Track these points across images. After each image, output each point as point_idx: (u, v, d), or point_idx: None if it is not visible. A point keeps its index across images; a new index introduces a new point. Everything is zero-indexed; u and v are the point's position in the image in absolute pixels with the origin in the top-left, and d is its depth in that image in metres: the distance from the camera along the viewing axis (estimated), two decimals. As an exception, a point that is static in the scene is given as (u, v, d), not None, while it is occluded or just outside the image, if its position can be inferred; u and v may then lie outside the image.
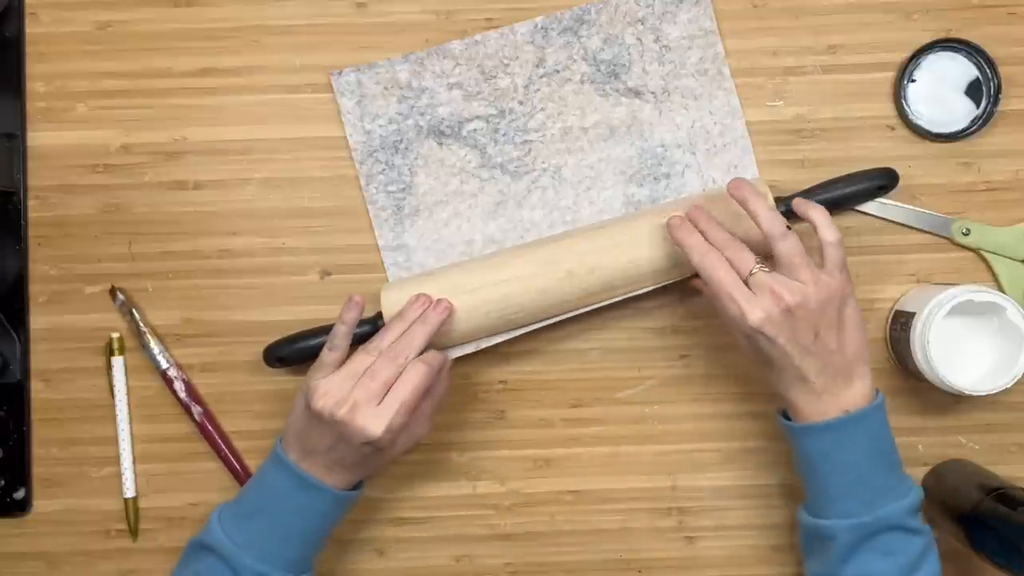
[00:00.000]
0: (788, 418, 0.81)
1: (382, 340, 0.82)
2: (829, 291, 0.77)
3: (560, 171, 0.91)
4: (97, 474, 0.92)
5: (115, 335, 0.91)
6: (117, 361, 0.91)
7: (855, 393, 0.78)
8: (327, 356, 0.82)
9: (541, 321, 0.87)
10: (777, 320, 0.76)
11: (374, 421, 0.78)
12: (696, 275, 0.88)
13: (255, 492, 0.82)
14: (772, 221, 0.79)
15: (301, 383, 0.83)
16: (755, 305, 0.76)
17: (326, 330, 0.86)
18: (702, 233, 0.80)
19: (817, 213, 0.80)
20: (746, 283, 0.77)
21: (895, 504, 0.78)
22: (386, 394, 0.79)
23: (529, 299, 0.85)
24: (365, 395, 0.79)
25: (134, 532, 0.92)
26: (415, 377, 0.79)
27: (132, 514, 0.92)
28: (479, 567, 0.93)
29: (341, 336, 0.83)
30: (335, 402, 0.79)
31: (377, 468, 0.84)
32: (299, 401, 0.82)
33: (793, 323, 0.76)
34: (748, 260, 0.78)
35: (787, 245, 0.78)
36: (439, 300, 0.84)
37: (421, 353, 0.81)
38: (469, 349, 0.87)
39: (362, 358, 0.81)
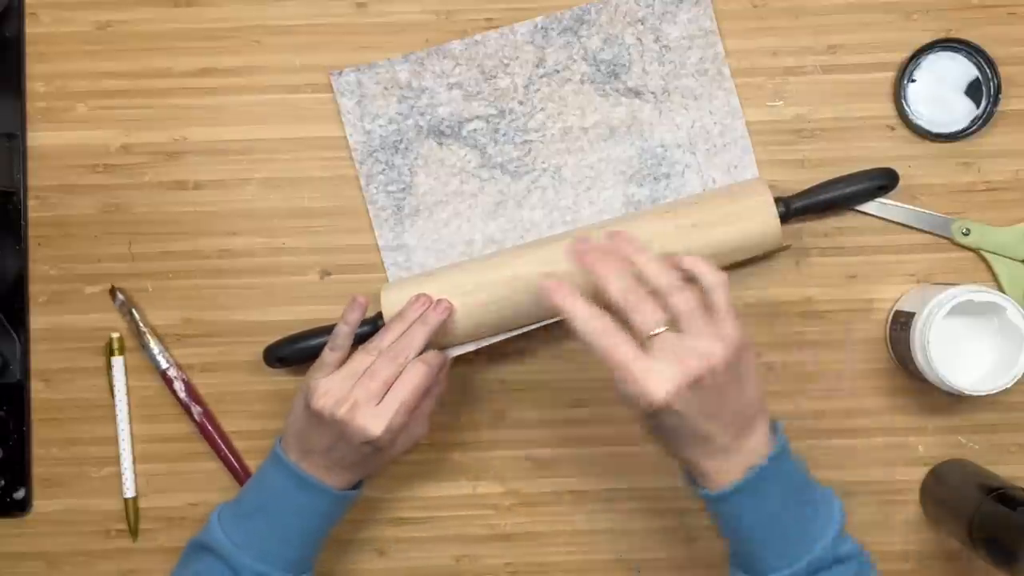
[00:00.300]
0: (695, 480, 0.75)
1: (382, 340, 0.82)
2: (733, 346, 0.69)
3: (560, 171, 0.91)
4: (97, 474, 0.92)
5: (115, 335, 0.91)
6: (117, 361, 0.91)
7: (758, 441, 0.72)
8: (328, 356, 0.82)
9: (541, 321, 0.87)
10: (685, 395, 0.68)
11: (374, 421, 0.78)
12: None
13: (255, 492, 0.82)
14: (660, 274, 0.71)
15: (301, 383, 0.83)
16: (659, 380, 0.67)
17: (326, 330, 0.86)
18: (602, 283, 0.71)
19: (689, 261, 0.72)
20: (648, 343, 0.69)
21: (823, 538, 0.72)
22: (386, 394, 0.79)
23: (529, 299, 0.85)
24: (365, 395, 0.79)
25: (134, 532, 0.92)
26: (415, 377, 0.80)
27: (132, 514, 0.92)
28: (479, 567, 0.93)
29: (343, 336, 0.83)
30: (335, 401, 0.79)
31: (377, 468, 0.84)
32: (299, 401, 0.82)
33: (701, 393, 0.68)
34: (649, 318, 0.69)
35: (682, 299, 0.69)
36: (439, 300, 0.84)
37: (421, 353, 0.81)
38: (469, 348, 0.87)
39: (362, 358, 0.81)
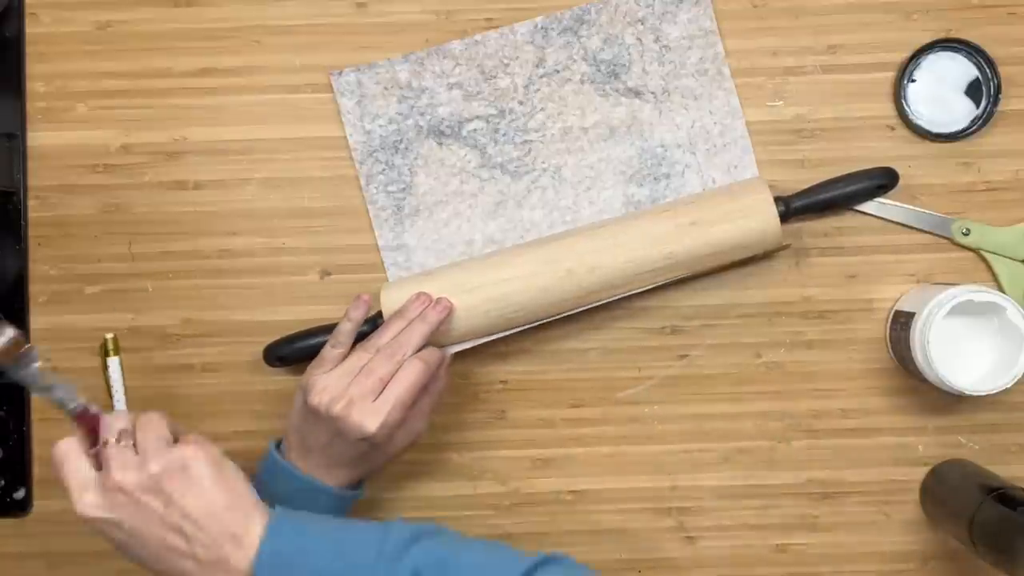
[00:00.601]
0: None
1: (380, 338, 0.82)
2: (168, 461, 0.71)
3: (560, 171, 0.91)
4: (97, 474, 0.92)
5: (109, 336, 0.91)
6: (113, 361, 0.91)
7: (254, 538, 0.71)
8: (328, 352, 0.82)
9: (541, 320, 0.88)
10: (117, 503, 0.70)
11: (369, 417, 0.78)
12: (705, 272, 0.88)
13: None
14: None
15: (300, 380, 0.83)
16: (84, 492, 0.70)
17: (326, 330, 0.86)
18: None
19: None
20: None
21: None
22: (383, 390, 0.79)
23: (529, 298, 0.85)
24: (361, 391, 0.79)
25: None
26: (411, 374, 0.80)
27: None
28: (479, 567, 0.93)
29: (345, 333, 0.83)
30: (331, 398, 0.79)
31: (376, 466, 0.84)
32: (298, 397, 0.82)
33: (134, 501, 0.70)
34: (109, 427, 0.72)
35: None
36: (439, 299, 0.84)
37: (420, 350, 0.81)
38: (466, 345, 0.87)
39: (360, 355, 0.81)
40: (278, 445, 0.84)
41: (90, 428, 0.74)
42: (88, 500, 0.70)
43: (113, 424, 0.73)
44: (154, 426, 0.73)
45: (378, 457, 0.82)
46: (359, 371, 0.80)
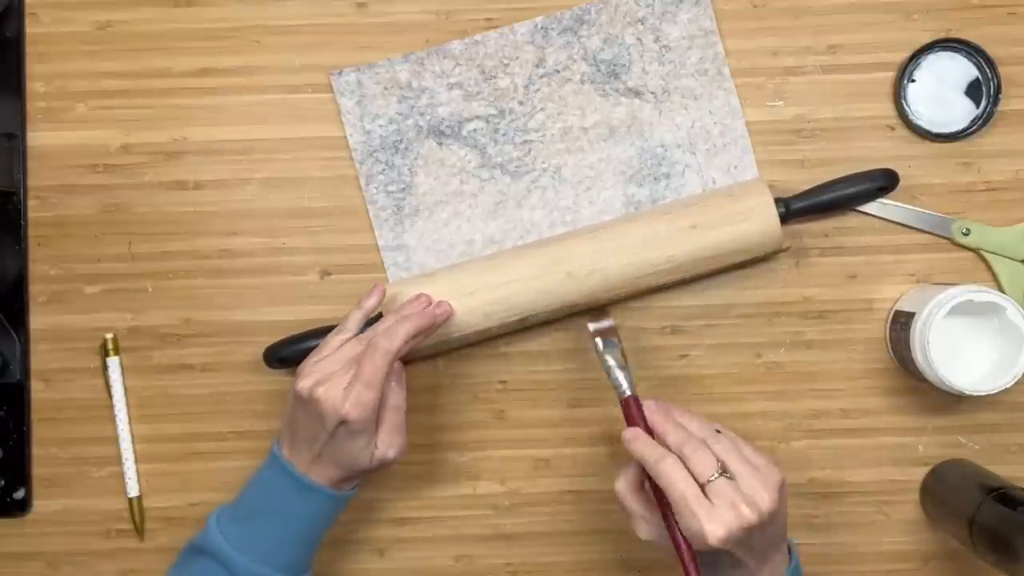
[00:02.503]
0: None
1: (373, 330, 0.82)
2: (778, 491, 0.74)
3: (560, 171, 0.91)
4: (97, 474, 0.92)
5: (109, 335, 0.91)
6: (112, 361, 0.91)
7: (779, 559, 0.77)
8: (332, 339, 0.82)
9: (541, 321, 0.88)
10: (737, 537, 0.72)
11: (344, 399, 0.77)
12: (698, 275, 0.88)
13: (252, 493, 0.82)
14: (699, 428, 0.76)
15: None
16: (717, 522, 0.72)
17: (327, 330, 0.86)
18: (661, 436, 0.77)
19: (674, 425, 0.77)
20: (704, 488, 0.73)
21: None
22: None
23: (529, 300, 0.85)
24: (342, 377, 0.78)
25: (140, 531, 0.92)
26: (374, 356, 0.78)
27: (137, 513, 0.92)
28: (479, 567, 0.93)
29: (353, 321, 0.83)
30: (315, 381, 0.79)
31: (361, 468, 0.81)
32: (291, 392, 0.82)
33: (750, 535, 0.73)
34: (708, 464, 0.73)
35: (721, 448, 0.74)
36: (439, 302, 0.84)
37: (405, 346, 0.80)
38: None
39: (352, 345, 0.81)
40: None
41: (629, 415, 0.79)
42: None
43: (707, 460, 0.74)
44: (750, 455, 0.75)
45: (357, 451, 0.80)
46: (348, 360, 0.80)
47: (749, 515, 0.72)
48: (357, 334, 0.82)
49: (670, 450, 0.75)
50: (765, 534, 0.74)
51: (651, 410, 0.79)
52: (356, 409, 0.78)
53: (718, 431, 0.77)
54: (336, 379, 0.78)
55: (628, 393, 0.80)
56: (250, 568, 0.79)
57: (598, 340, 0.83)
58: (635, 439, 0.77)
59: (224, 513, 0.82)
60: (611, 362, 0.82)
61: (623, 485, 0.78)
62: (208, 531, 0.81)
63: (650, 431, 0.78)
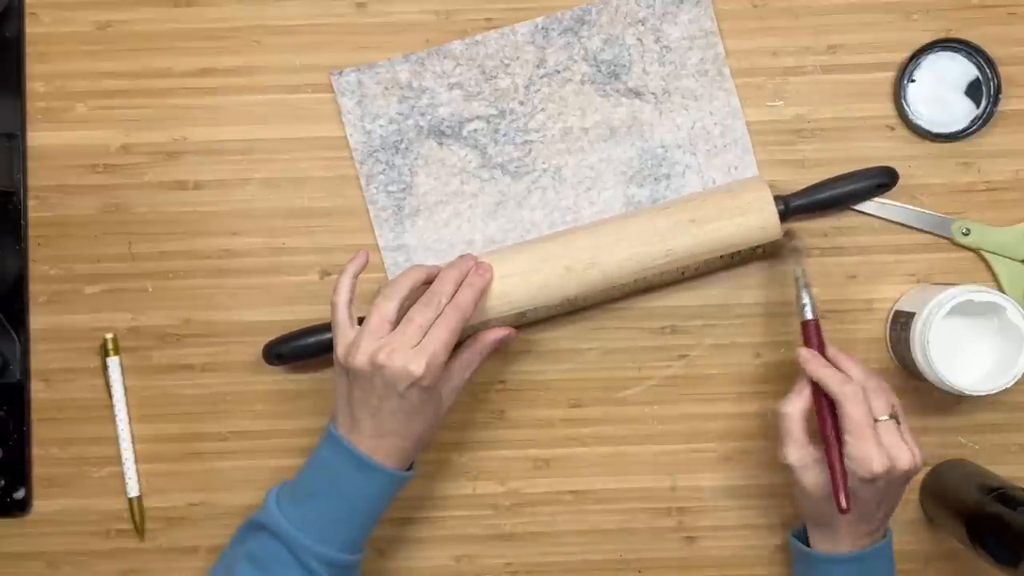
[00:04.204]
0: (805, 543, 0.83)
1: (430, 294, 0.82)
2: (921, 457, 0.79)
3: (560, 171, 0.91)
4: (97, 474, 0.92)
5: (109, 336, 0.91)
6: (112, 361, 0.91)
7: (882, 529, 0.82)
8: (340, 316, 0.81)
9: (541, 317, 0.88)
10: (889, 476, 0.77)
11: (414, 359, 0.77)
12: (698, 272, 0.88)
13: (312, 473, 0.82)
14: (870, 376, 0.80)
15: (331, 374, 0.83)
16: (883, 455, 0.77)
17: (326, 328, 0.86)
18: (844, 367, 0.80)
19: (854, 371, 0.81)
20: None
21: None
22: (423, 337, 0.79)
23: (528, 295, 0.85)
24: (402, 339, 0.78)
25: (140, 531, 0.92)
26: (451, 317, 0.79)
27: (138, 513, 0.92)
28: (479, 567, 0.93)
29: (344, 287, 0.82)
30: (373, 351, 0.78)
31: (426, 430, 0.82)
32: (338, 379, 0.81)
33: (891, 483, 0.78)
34: (883, 404, 0.79)
35: (893, 399, 0.80)
36: (480, 264, 0.84)
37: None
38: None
39: (385, 307, 0.80)
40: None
41: (809, 339, 0.82)
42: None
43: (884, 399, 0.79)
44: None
45: (428, 414, 0.81)
46: (395, 323, 0.80)
47: (908, 460, 0.77)
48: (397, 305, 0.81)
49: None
50: (899, 489, 0.79)
51: (832, 347, 0.82)
52: (431, 370, 0.78)
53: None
54: (395, 343, 0.78)
55: (811, 317, 0.82)
56: (311, 547, 0.79)
57: (798, 254, 0.88)
58: (814, 360, 0.80)
59: (284, 491, 0.82)
60: (803, 282, 0.83)
61: (794, 407, 0.80)
62: (267, 508, 0.80)
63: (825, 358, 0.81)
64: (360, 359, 0.78)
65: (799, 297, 0.83)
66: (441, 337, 0.79)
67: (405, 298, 0.81)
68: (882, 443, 0.77)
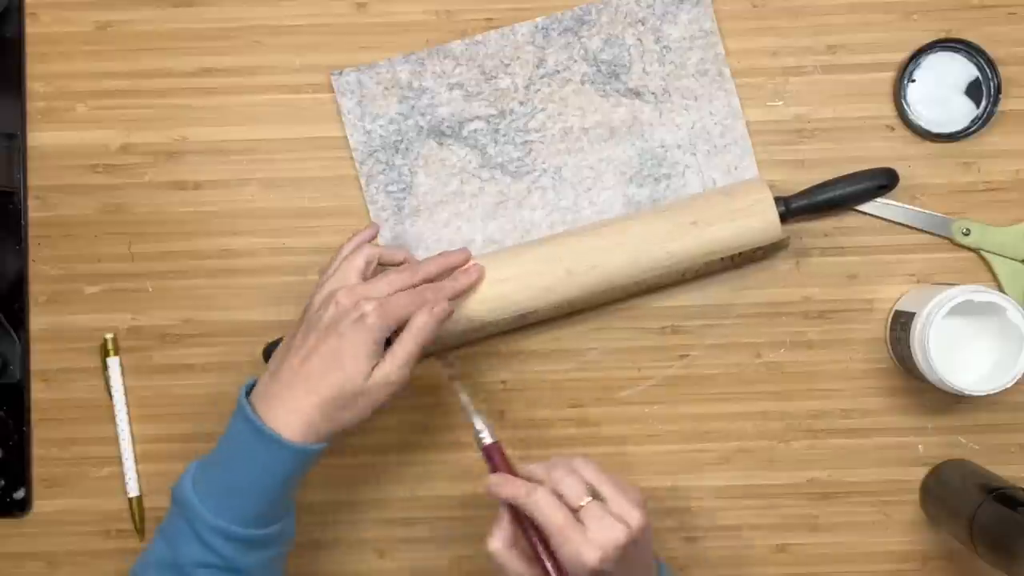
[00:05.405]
0: None
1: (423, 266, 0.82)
2: (644, 510, 0.75)
3: (560, 171, 0.91)
4: (97, 474, 0.92)
5: (109, 336, 0.91)
6: (112, 361, 0.91)
7: (653, 570, 0.78)
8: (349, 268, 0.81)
9: (542, 318, 0.88)
10: (613, 556, 0.72)
11: (370, 302, 0.76)
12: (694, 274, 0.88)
13: (220, 442, 0.79)
14: (563, 461, 0.77)
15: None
16: (593, 545, 0.72)
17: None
18: (528, 474, 0.77)
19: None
20: (576, 514, 0.73)
21: None
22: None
23: (529, 297, 0.85)
24: (367, 288, 0.78)
25: (140, 531, 0.92)
26: (421, 296, 0.79)
27: (137, 513, 0.92)
28: (479, 567, 0.93)
29: (359, 249, 0.82)
30: (335, 288, 0.78)
31: (338, 393, 0.76)
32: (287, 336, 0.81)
33: (625, 553, 0.73)
34: (578, 489, 0.74)
35: (588, 473, 0.75)
36: (471, 266, 0.84)
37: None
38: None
39: (354, 260, 0.81)
40: (248, 391, 0.79)
41: (493, 463, 0.79)
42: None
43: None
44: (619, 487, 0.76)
45: (351, 372, 0.76)
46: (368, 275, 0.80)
47: (622, 533, 0.73)
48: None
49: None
50: (638, 550, 0.74)
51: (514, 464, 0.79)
52: (381, 315, 0.76)
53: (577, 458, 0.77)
54: (359, 288, 0.77)
55: (489, 440, 0.79)
56: (207, 518, 0.75)
57: (457, 384, 0.83)
58: (503, 482, 0.76)
59: (202, 461, 0.79)
60: (471, 406, 0.80)
61: (498, 543, 0.76)
62: (181, 478, 0.78)
63: (514, 475, 0.77)
64: (320, 294, 0.79)
65: (473, 424, 0.80)
66: (404, 302, 0.77)
67: (377, 261, 0.81)
68: (589, 533, 0.72)
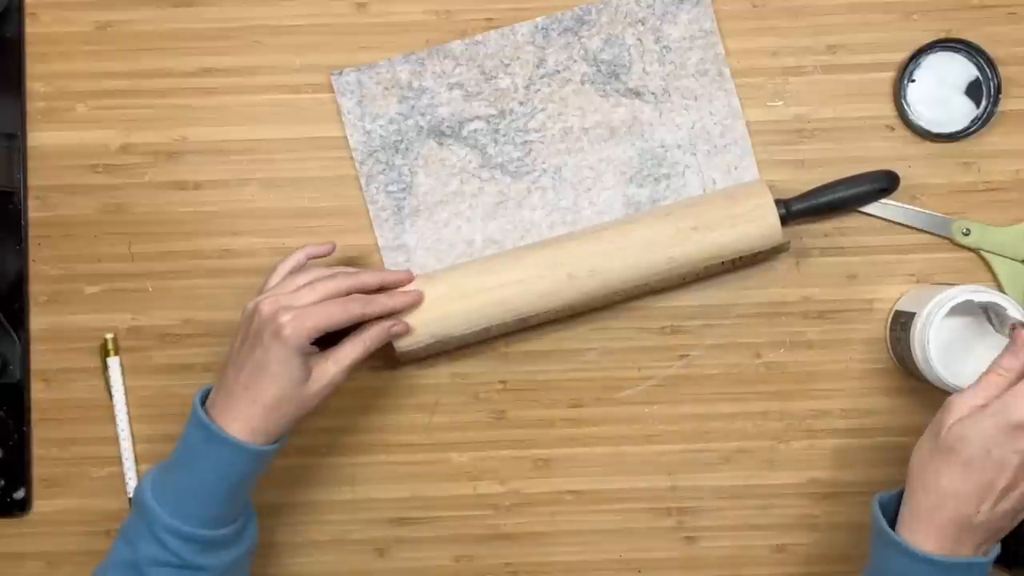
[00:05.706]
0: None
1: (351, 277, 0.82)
2: None
3: (560, 171, 0.91)
4: (97, 474, 0.92)
5: (109, 336, 0.91)
6: (113, 361, 0.91)
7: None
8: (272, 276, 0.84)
9: (542, 321, 0.88)
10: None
11: (287, 312, 0.77)
12: (699, 276, 0.88)
13: (178, 445, 0.80)
14: None
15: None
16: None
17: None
18: None
19: None
20: None
21: None
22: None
23: (529, 302, 0.85)
24: (290, 297, 0.79)
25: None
26: (348, 307, 0.80)
27: (133, 514, 0.92)
28: (479, 567, 0.93)
29: (292, 259, 0.84)
30: (262, 298, 0.79)
31: (279, 397, 0.78)
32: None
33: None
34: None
35: None
36: (409, 292, 0.84)
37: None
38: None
39: (281, 267, 0.84)
40: (204, 399, 0.81)
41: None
42: None
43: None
44: None
45: (283, 380, 0.78)
46: (297, 285, 0.81)
47: None
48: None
49: None
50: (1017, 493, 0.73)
51: None
52: (296, 328, 0.77)
53: None
54: (282, 298, 0.78)
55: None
56: (163, 520, 0.77)
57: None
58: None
59: (161, 464, 0.80)
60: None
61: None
62: (141, 480, 0.79)
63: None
64: (250, 305, 0.80)
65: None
66: (326, 312, 0.78)
67: (301, 268, 0.83)
68: None
